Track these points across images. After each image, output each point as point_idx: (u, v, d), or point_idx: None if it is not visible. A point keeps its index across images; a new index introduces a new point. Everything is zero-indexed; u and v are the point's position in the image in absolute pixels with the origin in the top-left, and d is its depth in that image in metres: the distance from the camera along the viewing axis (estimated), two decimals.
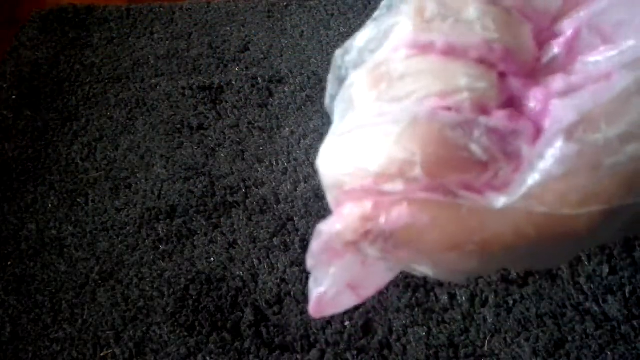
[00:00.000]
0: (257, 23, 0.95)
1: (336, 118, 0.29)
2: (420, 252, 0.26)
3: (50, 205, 0.71)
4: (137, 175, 0.73)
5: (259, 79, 0.85)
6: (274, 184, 0.71)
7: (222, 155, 0.75)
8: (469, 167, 0.25)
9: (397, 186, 0.25)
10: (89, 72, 0.88)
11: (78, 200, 0.71)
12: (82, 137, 0.79)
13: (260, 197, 0.69)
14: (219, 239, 0.66)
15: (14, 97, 0.85)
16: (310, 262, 0.28)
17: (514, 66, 0.27)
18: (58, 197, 0.71)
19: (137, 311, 0.60)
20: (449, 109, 0.25)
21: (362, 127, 0.26)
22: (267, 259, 0.63)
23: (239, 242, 0.65)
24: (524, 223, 0.24)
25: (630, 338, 0.54)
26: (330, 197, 0.27)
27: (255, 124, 0.78)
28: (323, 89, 0.82)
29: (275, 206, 0.68)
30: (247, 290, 0.61)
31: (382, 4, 0.29)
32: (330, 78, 0.31)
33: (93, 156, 0.76)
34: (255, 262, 0.63)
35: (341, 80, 0.29)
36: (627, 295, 0.57)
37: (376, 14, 0.30)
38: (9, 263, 0.65)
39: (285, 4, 0.98)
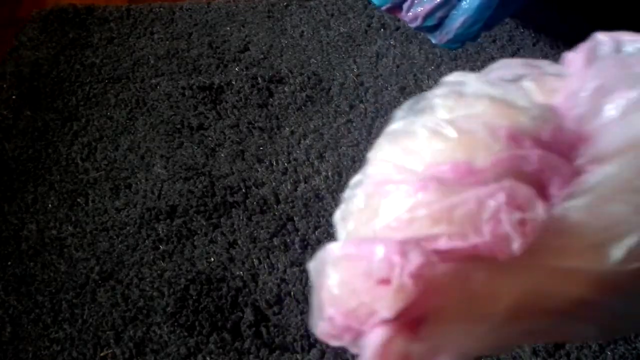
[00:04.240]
0: (257, 23, 0.95)
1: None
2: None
3: (50, 205, 0.71)
4: (137, 175, 0.73)
5: (259, 79, 0.85)
6: (274, 184, 0.71)
7: (222, 155, 0.75)
8: None
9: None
10: (89, 72, 0.88)
11: (78, 200, 0.71)
12: (82, 137, 0.79)
13: (260, 197, 0.69)
14: (219, 239, 0.66)
15: (14, 97, 0.84)
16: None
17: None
18: (58, 197, 0.71)
19: (137, 311, 0.60)
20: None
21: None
22: (267, 259, 0.63)
23: (239, 242, 0.65)
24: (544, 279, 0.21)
25: (630, 338, 0.54)
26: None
27: (255, 124, 0.78)
28: (323, 89, 0.82)
29: (275, 206, 0.68)
30: (247, 290, 0.61)
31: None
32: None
33: (93, 156, 0.76)
34: (255, 262, 0.63)
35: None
36: None
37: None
38: (9, 263, 0.65)
39: (285, 4, 0.98)
